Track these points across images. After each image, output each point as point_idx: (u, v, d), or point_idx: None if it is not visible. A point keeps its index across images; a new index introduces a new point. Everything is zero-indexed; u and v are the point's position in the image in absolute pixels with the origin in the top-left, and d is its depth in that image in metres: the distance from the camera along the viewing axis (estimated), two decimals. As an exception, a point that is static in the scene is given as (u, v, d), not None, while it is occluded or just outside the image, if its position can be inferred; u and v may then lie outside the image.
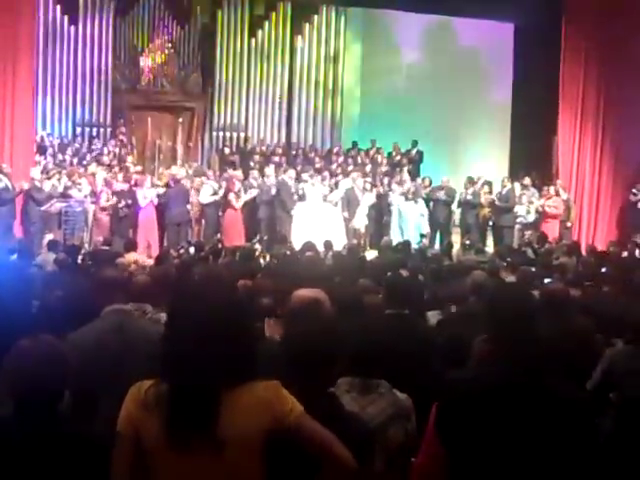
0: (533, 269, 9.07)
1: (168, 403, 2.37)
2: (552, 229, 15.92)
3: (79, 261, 10.21)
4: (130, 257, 10.40)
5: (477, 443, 2.59)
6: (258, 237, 14.56)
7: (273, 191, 16.06)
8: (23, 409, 2.53)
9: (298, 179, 16.74)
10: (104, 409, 3.35)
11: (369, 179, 17.74)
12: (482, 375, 2.78)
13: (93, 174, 15.89)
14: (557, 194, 16.35)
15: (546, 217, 16.15)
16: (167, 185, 15.73)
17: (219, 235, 15.01)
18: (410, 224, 16.27)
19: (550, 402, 2.62)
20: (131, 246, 11.50)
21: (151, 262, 10.43)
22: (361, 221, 16.49)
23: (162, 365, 2.44)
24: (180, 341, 2.40)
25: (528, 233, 15.85)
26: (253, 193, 15.90)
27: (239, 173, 16.66)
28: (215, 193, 15.68)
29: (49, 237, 13.73)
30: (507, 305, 2.79)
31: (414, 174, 18.53)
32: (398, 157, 20.29)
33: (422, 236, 15.95)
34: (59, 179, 15.19)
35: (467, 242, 14.40)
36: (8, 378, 2.56)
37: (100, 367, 3.69)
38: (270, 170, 16.82)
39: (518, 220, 16.33)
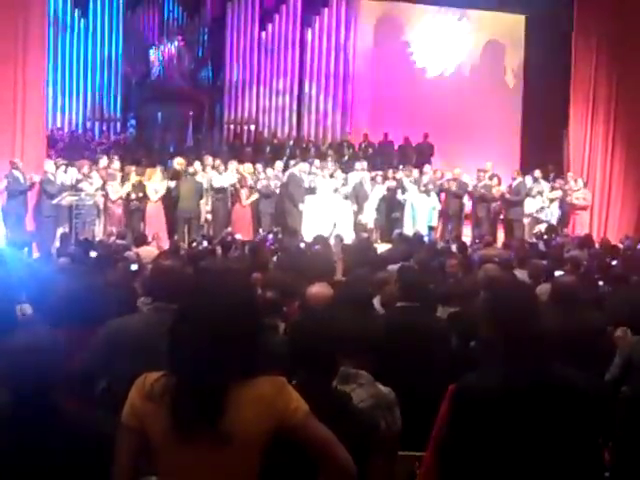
0: (544, 262, 9.03)
1: (175, 396, 2.37)
2: (581, 221, 16.04)
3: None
4: (142, 251, 10.43)
5: (488, 436, 2.61)
6: (273, 230, 14.56)
7: (274, 186, 16.07)
8: (19, 400, 2.53)
9: (309, 172, 16.74)
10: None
11: (380, 172, 17.71)
12: (489, 375, 2.77)
13: (105, 168, 15.88)
14: (585, 186, 16.38)
15: (575, 209, 16.19)
16: (178, 178, 15.72)
17: (229, 228, 15.02)
18: (421, 217, 16.25)
19: (563, 398, 2.63)
20: (141, 240, 11.50)
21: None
22: (369, 215, 16.40)
23: (169, 358, 2.43)
24: (189, 335, 2.39)
25: (541, 226, 15.83)
26: (255, 196, 15.90)
27: (249, 166, 16.66)
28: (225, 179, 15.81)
29: (61, 230, 13.81)
30: (510, 305, 2.78)
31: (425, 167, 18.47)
32: (408, 150, 20.30)
33: (430, 228, 15.94)
34: (65, 171, 15.22)
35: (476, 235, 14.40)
36: (3, 369, 2.56)
37: (143, 357, 3.68)
38: (279, 164, 16.84)
39: (528, 212, 16.31)
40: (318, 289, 4.75)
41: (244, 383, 2.39)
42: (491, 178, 16.86)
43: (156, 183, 15.24)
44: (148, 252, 10.37)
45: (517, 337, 2.69)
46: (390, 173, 17.62)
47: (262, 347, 2.50)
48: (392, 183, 17.09)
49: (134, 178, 15.52)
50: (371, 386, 3.48)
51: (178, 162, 16.12)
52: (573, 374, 2.75)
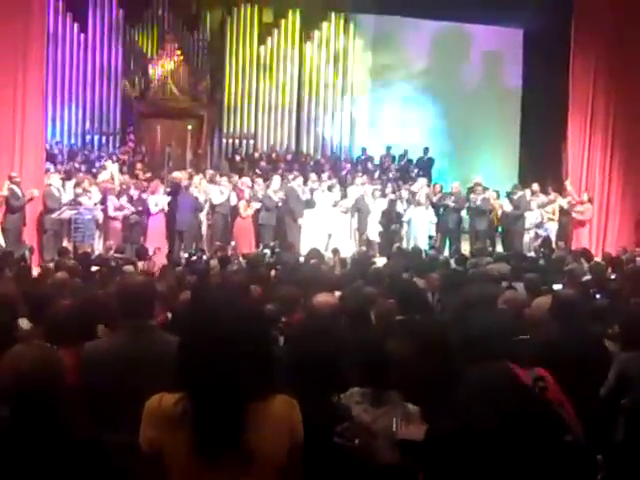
0: (540, 275, 9.03)
1: (195, 418, 2.35)
2: (581, 235, 16.13)
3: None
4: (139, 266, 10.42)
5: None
6: (270, 244, 14.58)
7: (277, 199, 16.06)
8: (18, 414, 2.52)
9: (306, 186, 16.77)
10: (120, 419, 3.31)
11: (379, 186, 17.71)
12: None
13: (104, 182, 15.88)
14: (590, 201, 16.43)
15: (578, 223, 16.30)
16: (176, 192, 15.69)
17: (233, 242, 15.04)
18: (420, 232, 16.21)
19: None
20: (143, 253, 11.46)
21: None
22: (373, 229, 16.35)
23: (184, 380, 2.41)
24: (205, 356, 2.37)
25: (537, 239, 15.86)
26: (257, 205, 15.89)
27: (247, 180, 16.69)
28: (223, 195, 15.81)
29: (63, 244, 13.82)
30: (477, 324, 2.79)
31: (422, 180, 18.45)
32: (408, 163, 20.34)
33: (430, 238, 15.91)
34: (64, 185, 15.24)
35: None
36: (3, 383, 2.56)
37: (118, 378, 3.66)
38: (277, 178, 16.83)
39: (528, 226, 16.33)
40: (324, 298, 4.74)
41: (260, 401, 2.39)
42: (486, 191, 16.89)
43: (157, 196, 15.24)
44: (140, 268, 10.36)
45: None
46: (389, 188, 17.60)
47: (273, 365, 2.49)
48: (392, 196, 17.08)
49: (133, 192, 15.52)
50: (401, 406, 3.46)
51: (176, 176, 16.14)
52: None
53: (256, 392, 2.38)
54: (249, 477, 2.36)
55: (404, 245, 15.55)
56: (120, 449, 2.56)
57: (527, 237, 16.49)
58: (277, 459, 2.39)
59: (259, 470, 2.36)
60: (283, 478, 2.41)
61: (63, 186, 15.25)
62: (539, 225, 16.43)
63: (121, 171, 17.63)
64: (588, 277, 9.34)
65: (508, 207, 16.57)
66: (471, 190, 17.04)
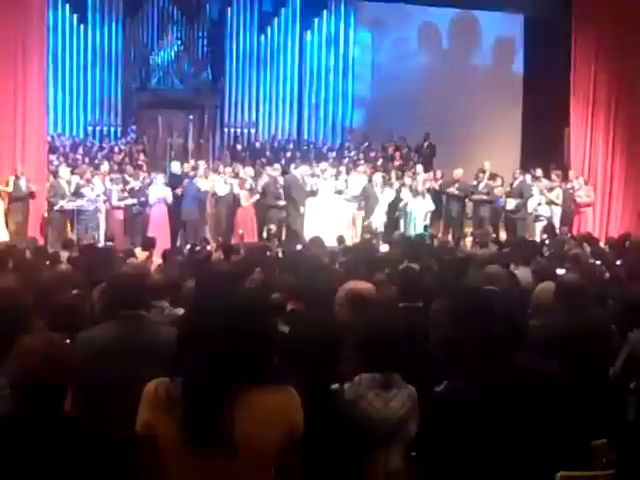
0: (546, 260, 9.02)
1: (185, 403, 2.33)
2: (584, 220, 16.16)
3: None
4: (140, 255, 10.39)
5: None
6: (273, 232, 14.57)
7: (281, 191, 16.03)
8: (26, 406, 2.51)
9: (310, 174, 16.73)
10: (117, 409, 3.31)
11: (382, 174, 17.66)
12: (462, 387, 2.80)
13: (107, 173, 15.91)
14: (586, 183, 16.43)
15: (579, 207, 16.31)
16: (176, 182, 15.64)
17: (241, 231, 15.04)
18: (418, 220, 16.12)
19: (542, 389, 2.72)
20: (149, 244, 11.39)
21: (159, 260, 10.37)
22: (380, 220, 16.22)
23: (177, 363, 2.40)
24: (198, 339, 2.36)
25: (540, 224, 15.83)
26: (256, 197, 15.86)
27: (250, 170, 16.67)
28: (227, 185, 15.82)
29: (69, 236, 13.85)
30: (480, 305, 2.83)
31: (426, 168, 18.37)
32: (410, 151, 20.30)
33: (426, 228, 15.84)
34: (69, 180, 15.25)
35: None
36: (11, 375, 2.55)
37: (115, 367, 3.67)
38: (277, 166, 16.79)
39: (530, 211, 16.29)
40: (364, 285, 4.74)
41: (256, 390, 2.35)
42: (493, 178, 16.80)
43: (156, 187, 15.22)
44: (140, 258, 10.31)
45: (491, 336, 2.73)
46: (394, 176, 17.53)
47: (273, 353, 2.47)
48: (396, 184, 17.00)
49: (135, 183, 15.52)
50: (405, 388, 3.49)
51: (175, 167, 16.13)
52: (544, 364, 2.83)
53: (250, 381, 2.34)
54: (237, 466, 2.33)
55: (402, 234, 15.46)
56: (117, 440, 2.54)
57: (530, 223, 16.42)
58: (267, 450, 2.36)
59: (247, 460, 2.33)
60: (279, 472, 2.39)
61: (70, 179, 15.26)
62: (537, 209, 16.35)
63: (122, 162, 17.68)
64: (592, 261, 9.31)
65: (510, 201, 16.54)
66: (476, 177, 16.95)
